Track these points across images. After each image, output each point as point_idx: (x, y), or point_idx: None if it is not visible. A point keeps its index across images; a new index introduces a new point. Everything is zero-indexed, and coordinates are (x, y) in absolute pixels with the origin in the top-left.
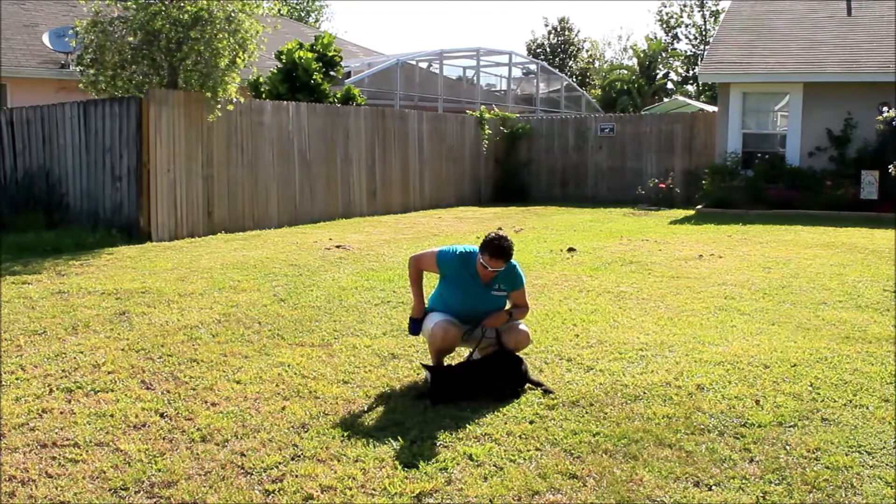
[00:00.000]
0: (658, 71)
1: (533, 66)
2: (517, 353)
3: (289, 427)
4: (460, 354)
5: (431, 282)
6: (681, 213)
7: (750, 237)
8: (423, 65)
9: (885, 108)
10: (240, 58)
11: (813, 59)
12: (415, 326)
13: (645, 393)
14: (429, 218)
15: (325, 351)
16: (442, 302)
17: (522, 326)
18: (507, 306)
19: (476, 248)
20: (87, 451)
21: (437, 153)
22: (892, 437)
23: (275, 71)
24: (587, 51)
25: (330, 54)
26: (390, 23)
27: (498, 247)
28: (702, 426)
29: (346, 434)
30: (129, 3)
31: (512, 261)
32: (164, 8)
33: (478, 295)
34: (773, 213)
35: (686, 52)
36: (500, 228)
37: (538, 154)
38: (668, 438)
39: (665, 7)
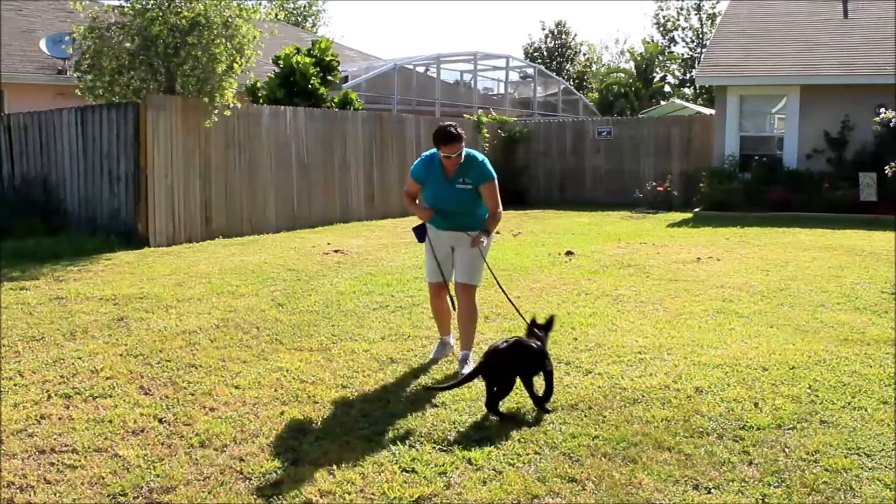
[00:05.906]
0: (655, 74)
1: (530, 70)
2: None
3: (287, 432)
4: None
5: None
6: (679, 216)
7: (748, 240)
8: (421, 69)
9: (882, 110)
10: (237, 63)
11: (810, 62)
12: (420, 234)
13: (644, 396)
14: None
15: (323, 356)
16: (423, 201)
17: (474, 298)
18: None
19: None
20: (85, 457)
21: None
22: (891, 440)
23: (272, 76)
24: (584, 54)
25: (327, 59)
26: (387, 27)
27: (442, 132)
28: (700, 429)
29: (344, 439)
30: (126, 9)
31: (478, 156)
32: (161, 13)
33: (445, 189)
34: (771, 216)
35: (683, 55)
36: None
37: (536, 157)
38: (666, 441)
39: (662, 10)
